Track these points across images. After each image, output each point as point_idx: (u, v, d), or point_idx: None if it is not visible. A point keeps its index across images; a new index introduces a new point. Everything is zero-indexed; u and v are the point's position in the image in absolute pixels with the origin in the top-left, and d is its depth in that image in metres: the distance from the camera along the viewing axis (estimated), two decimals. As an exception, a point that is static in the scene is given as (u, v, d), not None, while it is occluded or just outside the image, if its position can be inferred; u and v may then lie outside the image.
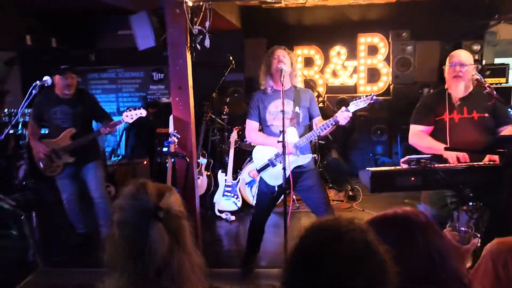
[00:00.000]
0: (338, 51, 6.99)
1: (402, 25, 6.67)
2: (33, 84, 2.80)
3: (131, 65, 7.33)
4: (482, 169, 2.62)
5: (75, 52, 6.79)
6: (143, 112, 3.74)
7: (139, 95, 7.43)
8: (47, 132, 4.41)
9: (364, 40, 6.85)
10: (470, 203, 2.53)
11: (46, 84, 2.98)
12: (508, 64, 6.25)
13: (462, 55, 3.10)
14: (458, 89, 3.06)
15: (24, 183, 5.85)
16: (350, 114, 3.10)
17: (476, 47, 6.41)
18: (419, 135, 3.20)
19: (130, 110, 3.80)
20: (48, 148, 4.00)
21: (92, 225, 4.37)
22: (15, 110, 5.94)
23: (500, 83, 6.23)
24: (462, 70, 3.03)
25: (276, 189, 3.39)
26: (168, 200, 1.28)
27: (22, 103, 2.77)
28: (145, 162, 6.22)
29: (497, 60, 6.68)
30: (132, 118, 3.78)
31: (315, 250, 0.94)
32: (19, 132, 5.83)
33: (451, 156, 2.88)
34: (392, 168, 2.61)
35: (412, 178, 2.52)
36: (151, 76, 7.40)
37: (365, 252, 0.93)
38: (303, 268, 0.93)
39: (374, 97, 3.15)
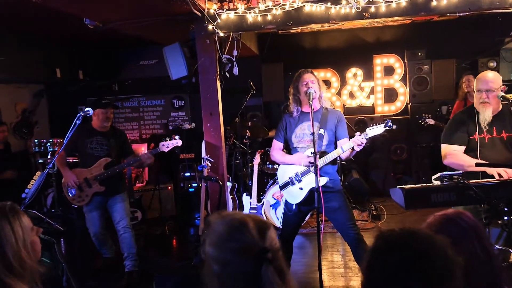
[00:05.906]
0: (355, 73, 7.11)
1: (417, 45, 6.79)
2: (78, 115, 2.95)
3: (152, 94, 7.56)
4: (514, 183, 2.66)
5: (99, 83, 7.04)
6: (179, 142, 3.85)
7: (160, 122, 7.62)
8: (78, 161, 4.51)
9: (380, 61, 6.97)
10: (505, 218, 2.55)
11: (88, 115, 3.14)
12: (526, 80, 6.29)
13: (489, 80, 3.05)
14: (486, 114, 3.07)
15: (53, 211, 5.99)
16: (364, 141, 3.12)
17: (492, 64, 6.49)
18: (455, 155, 3.15)
19: (166, 140, 3.90)
20: (80, 177, 4.03)
21: (118, 249, 4.42)
22: (44, 141, 6.14)
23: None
24: (489, 96, 3.03)
25: (294, 207, 3.46)
26: (271, 238, 1.20)
27: (68, 133, 2.91)
28: (169, 188, 6.35)
29: (514, 76, 6.74)
30: (168, 147, 3.87)
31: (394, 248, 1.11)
32: (49, 160, 6.01)
33: (497, 172, 2.83)
34: (426, 185, 2.66)
35: (447, 194, 2.57)
36: (172, 104, 7.60)
37: (432, 248, 1.07)
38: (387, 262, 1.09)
39: (389, 123, 3.16)
